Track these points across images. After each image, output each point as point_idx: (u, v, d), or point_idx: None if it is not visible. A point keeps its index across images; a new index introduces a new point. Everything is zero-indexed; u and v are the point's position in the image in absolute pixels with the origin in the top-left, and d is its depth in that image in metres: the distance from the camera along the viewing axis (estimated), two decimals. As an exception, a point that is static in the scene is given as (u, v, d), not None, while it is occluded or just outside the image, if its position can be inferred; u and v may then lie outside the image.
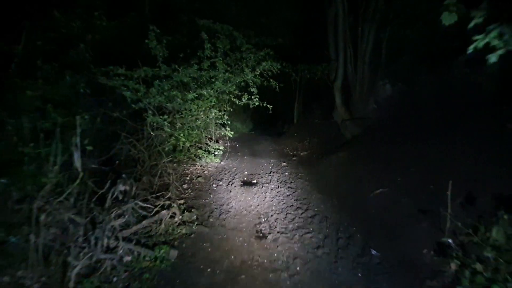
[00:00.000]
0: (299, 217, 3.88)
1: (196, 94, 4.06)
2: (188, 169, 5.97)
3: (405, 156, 4.62)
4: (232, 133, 6.66)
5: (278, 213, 4.00)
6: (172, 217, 3.61)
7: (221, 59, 4.23)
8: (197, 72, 4.11)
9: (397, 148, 5.05)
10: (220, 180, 5.49)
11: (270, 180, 5.55)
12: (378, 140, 5.91)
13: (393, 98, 6.95)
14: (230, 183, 5.33)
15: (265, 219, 3.89)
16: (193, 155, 6.56)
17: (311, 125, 10.53)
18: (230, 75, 4.47)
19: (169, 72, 3.89)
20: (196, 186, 5.03)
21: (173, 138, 3.92)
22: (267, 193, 4.75)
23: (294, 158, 7.64)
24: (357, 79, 7.30)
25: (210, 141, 7.21)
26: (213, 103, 4.29)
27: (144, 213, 3.56)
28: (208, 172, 6.04)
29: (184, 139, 6.15)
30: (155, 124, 4.01)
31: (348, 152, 6.13)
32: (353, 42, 7.27)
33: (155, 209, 3.64)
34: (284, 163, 6.95)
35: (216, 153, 6.73)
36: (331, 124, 9.34)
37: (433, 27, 6.35)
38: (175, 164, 5.84)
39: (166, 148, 4.05)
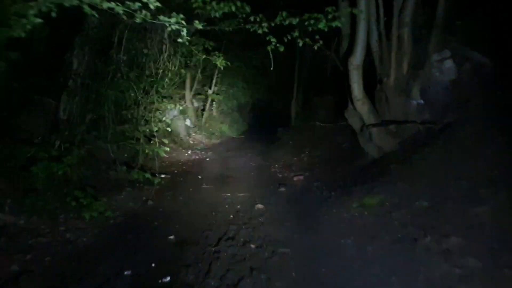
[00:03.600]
0: None
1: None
2: (52, 232, 2.82)
3: None
4: (167, 149, 3.59)
5: None
6: None
7: None
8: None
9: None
10: (90, 272, 2.30)
11: (208, 271, 2.34)
12: (456, 170, 2.61)
13: (461, 85, 3.61)
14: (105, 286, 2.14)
15: None
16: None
17: (312, 129, 7.29)
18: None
19: None
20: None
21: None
22: None
23: (282, 188, 4.37)
24: (390, 52, 3.99)
25: (131, 168, 3.99)
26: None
27: None
28: (93, 236, 2.85)
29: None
30: None
31: (388, 196, 2.80)
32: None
33: None
34: (259, 205, 3.68)
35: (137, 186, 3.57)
36: (341, 129, 6.03)
37: None
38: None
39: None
